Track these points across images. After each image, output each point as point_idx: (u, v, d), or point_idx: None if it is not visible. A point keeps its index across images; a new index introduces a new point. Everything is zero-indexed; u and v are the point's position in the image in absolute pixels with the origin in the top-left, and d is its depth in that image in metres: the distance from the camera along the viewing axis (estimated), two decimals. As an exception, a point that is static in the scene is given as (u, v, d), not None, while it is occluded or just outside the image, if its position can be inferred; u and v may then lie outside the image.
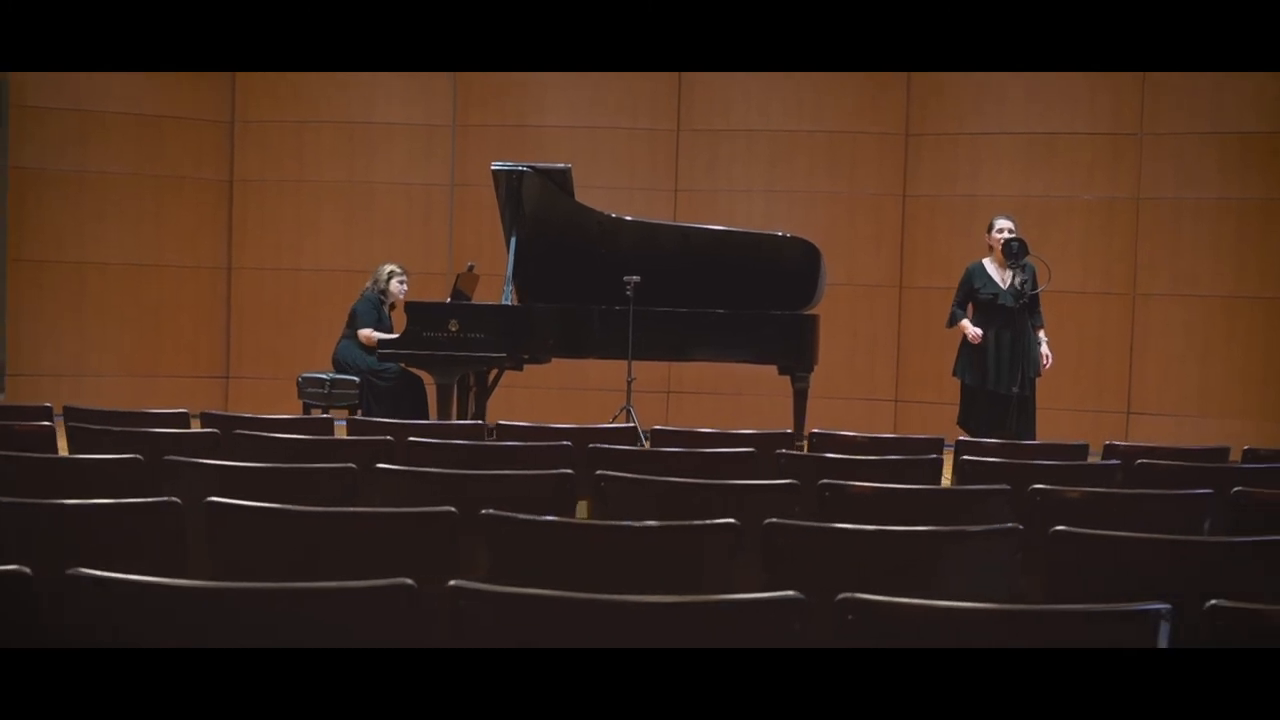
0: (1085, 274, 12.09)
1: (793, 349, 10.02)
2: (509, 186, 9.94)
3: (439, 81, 12.65)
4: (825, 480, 4.78)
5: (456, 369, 9.81)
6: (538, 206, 10.05)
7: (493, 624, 2.77)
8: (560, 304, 10.02)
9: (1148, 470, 5.76)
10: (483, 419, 10.73)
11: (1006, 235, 9.54)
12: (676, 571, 3.85)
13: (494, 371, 10.65)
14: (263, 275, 12.71)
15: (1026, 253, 9.46)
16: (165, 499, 3.89)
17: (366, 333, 10.19)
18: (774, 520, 3.84)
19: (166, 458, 4.88)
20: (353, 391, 10.22)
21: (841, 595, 2.87)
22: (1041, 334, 9.61)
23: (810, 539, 3.85)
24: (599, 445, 5.72)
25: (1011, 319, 9.45)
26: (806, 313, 10.06)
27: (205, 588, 2.90)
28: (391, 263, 10.50)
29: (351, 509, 4.02)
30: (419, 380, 10.21)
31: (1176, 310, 11.91)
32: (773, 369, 10.06)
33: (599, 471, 4.79)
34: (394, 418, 9.76)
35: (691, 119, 12.62)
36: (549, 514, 4.41)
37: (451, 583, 2.81)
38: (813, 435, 6.74)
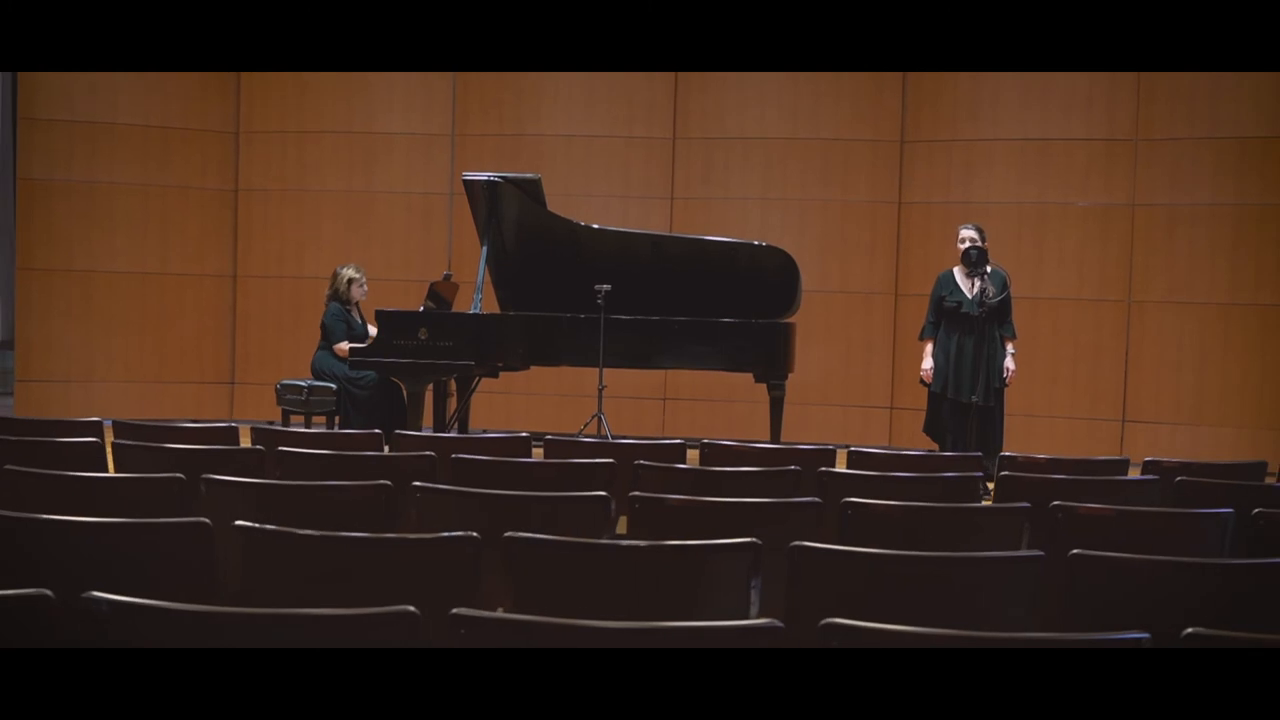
0: (1080, 281, 11.97)
1: (767, 357, 10.04)
2: (488, 197, 10.05)
3: (439, 91, 12.79)
4: (635, 493, 4.82)
5: (426, 376, 9.93)
6: (512, 215, 10.17)
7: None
8: (535, 312, 10.14)
9: (1014, 482, 5.74)
10: (465, 426, 10.87)
11: (967, 244, 9.52)
12: (414, 582, 3.91)
13: (474, 379, 10.78)
14: (267, 283, 12.92)
15: (986, 261, 9.44)
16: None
17: (343, 346, 10.33)
18: (510, 534, 3.89)
19: (5, 467, 5.03)
20: (330, 398, 10.38)
21: (455, 610, 2.94)
22: (1010, 345, 9.54)
23: (544, 552, 3.90)
24: (463, 455, 5.82)
25: (975, 327, 9.41)
26: (783, 321, 10.09)
27: None
28: (347, 266, 10.63)
29: (91, 519, 4.11)
30: (397, 388, 10.33)
31: (1172, 317, 11.76)
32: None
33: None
34: (371, 426, 9.93)
35: (688, 127, 12.66)
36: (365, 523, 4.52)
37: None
38: (704, 446, 6.76)
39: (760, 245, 10.37)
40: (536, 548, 3.89)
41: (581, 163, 12.70)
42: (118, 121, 12.54)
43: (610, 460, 5.85)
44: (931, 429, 9.74)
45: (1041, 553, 3.88)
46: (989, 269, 9.45)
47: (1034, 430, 11.87)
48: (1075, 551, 3.89)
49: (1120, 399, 11.92)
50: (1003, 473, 5.83)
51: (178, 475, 4.97)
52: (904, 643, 2.93)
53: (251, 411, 12.56)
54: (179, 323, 12.82)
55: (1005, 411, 9.90)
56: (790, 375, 10.07)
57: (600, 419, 10.13)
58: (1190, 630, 2.95)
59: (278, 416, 10.68)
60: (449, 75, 12.76)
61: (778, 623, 2.90)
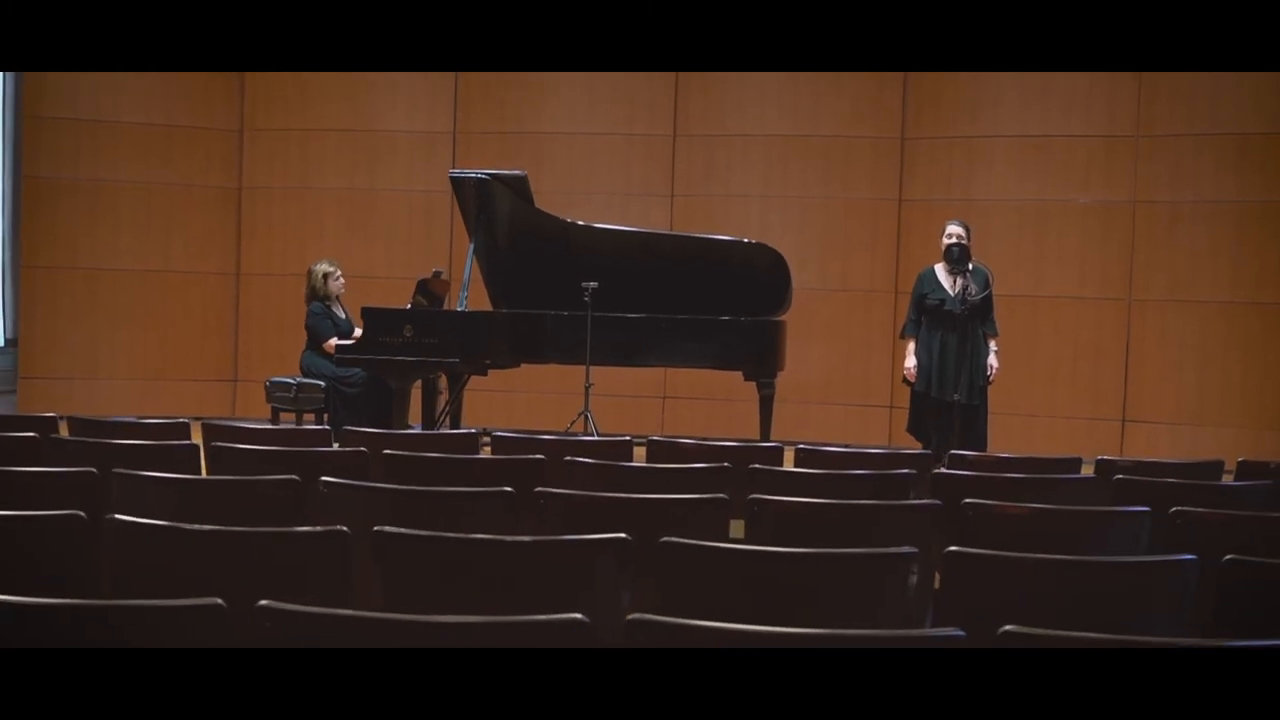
0: (1081, 279, 11.87)
1: (757, 355, 10.00)
2: (477, 194, 10.06)
3: (441, 89, 12.81)
4: (540, 489, 4.80)
5: (411, 373, 9.95)
6: (503, 213, 10.18)
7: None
8: (525, 309, 10.13)
9: (946, 480, 5.68)
10: (457, 423, 10.88)
11: (953, 239, 9.43)
12: (283, 578, 3.91)
13: (463, 376, 10.80)
14: (270, 281, 12.97)
15: (968, 258, 9.34)
16: None
17: (332, 344, 10.35)
18: (378, 529, 3.87)
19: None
20: (319, 395, 10.41)
21: (261, 603, 2.92)
22: (993, 343, 9.44)
23: (410, 547, 3.87)
24: (394, 451, 5.81)
25: (957, 325, 9.31)
26: (773, 319, 10.04)
27: None
28: (320, 262, 10.66)
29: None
30: (387, 385, 10.34)
31: (1173, 316, 11.63)
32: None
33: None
34: (361, 422, 9.95)
35: (688, 125, 12.62)
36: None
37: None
38: (649, 443, 6.72)
39: (750, 243, 10.33)
40: (404, 542, 3.87)
41: (583, 160, 12.70)
42: (122, 120, 12.63)
43: (541, 457, 5.82)
44: (915, 428, 9.66)
45: (915, 549, 3.81)
46: (971, 266, 9.35)
47: (1034, 430, 11.78)
48: (950, 549, 3.84)
49: (1121, 399, 11.80)
50: (936, 470, 5.76)
51: (90, 469, 4.99)
52: (719, 639, 2.88)
53: (254, 409, 12.59)
54: (182, 320, 12.89)
55: (996, 410, 9.83)
56: (782, 373, 10.03)
57: (587, 416, 10.10)
58: (1007, 628, 2.90)
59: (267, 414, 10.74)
60: (451, 74, 12.77)
61: (582, 618, 2.86)
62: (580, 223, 10.22)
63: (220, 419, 12.22)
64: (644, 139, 12.68)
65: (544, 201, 10.24)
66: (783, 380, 10.11)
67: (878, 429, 12.30)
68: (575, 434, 10.04)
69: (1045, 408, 11.90)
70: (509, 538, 3.88)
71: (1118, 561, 3.99)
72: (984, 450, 9.29)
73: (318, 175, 12.93)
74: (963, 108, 12.15)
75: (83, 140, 12.54)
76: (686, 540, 3.83)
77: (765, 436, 10.09)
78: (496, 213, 10.17)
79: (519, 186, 10.14)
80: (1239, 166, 11.37)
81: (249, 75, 12.90)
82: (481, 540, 3.88)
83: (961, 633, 2.89)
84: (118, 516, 3.97)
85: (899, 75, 12.25)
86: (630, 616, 2.88)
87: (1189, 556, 3.91)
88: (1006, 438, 11.20)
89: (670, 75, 12.55)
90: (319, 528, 3.88)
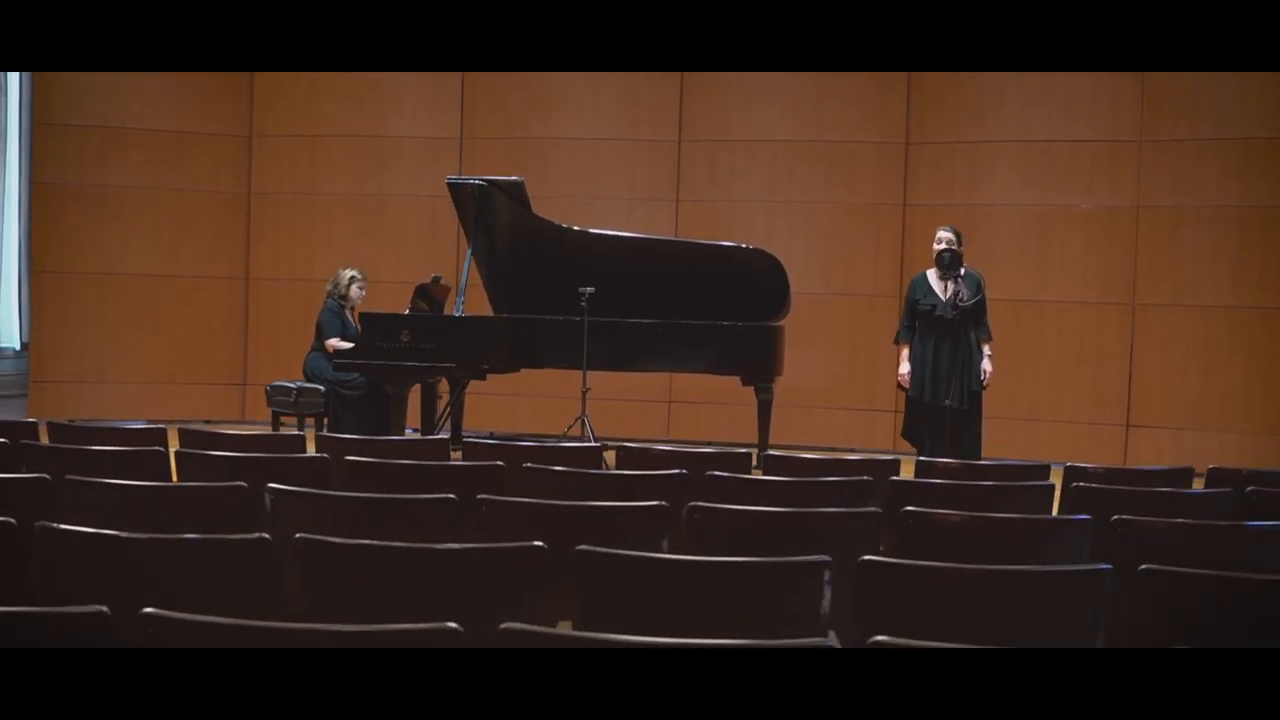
0: (1084, 284, 11.83)
1: (755, 360, 10.05)
2: (476, 201, 10.12)
3: (447, 94, 12.87)
4: (481, 495, 4.85)
5: (408, 378, 10.02)
6: (502, 219, 10.25)
7: None
8: (524, 315, 10.20)
9: (903, 488, 5.69)
10: (458, 427, 10.96)
11: (943, 244, 9.43)
12: (210, 583, 3.96)
13: (461, 381, 10.88)
14: (278, 286, 13.06)
15: (959, 264, 9.34)
16: None
17: (333, 342, 10.45)
18: (304, 535, 3.93)
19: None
20: (319, 400, 10.49)
21: (146, 610, 2.97)
22: (986, 347, 9.41)
23: (334, 554, 3.93)
24: (354, 457, 5.87)
25: (949, 331, 9.31)
26: (771, 324, 10.08)
27: None
28: (351, 267, 10.75)
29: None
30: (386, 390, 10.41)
31: (1177, 320, 11.58)
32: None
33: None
34: (362, 426, 10.05)
35: (693, 130, 12.64)
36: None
37: None
38: (619, 449, 6.76)
39: (749, 248, 10.37)
40: (325, 549, 3.93)
41: (587, 165, 12.75)
42: (130, 125, 12.72)
43: (500, 463, 5.86)
44: (910, 434, 9.65)
45: (827, 558, 3.84)
46: (963, 271, 9.35)
47: (1037, 435, 11.76)
48: (864, 558, 3.86)
49: (1124, 403, 11.76)
50: (892, 478, 5.78)
51: (43, 476, 5.06)
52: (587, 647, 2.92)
53: (264, 413, 12.65)
54: (190, 325, 12.99)
55: (999, 415, 9.84)
56: (785, 378, 10.10)
57: (584, 421, 10.14)
58: (877, 637, 2.92)
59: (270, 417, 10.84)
60: (457, 79, 12.83)
61: (456, 626, 2.90)
62: (577, 228, 10.28)
63: (228, 422, 12.36)
64: (648, 144, 12.71)
65: (549, 206, 10.30)
66: (785, 385, 10.13)
67: (881, 433, 12.29)
68: (573, 438, 10.10)
69: (1048, 412, 11.88)
70: (434, 545, 3.93)
71: (1036, 570, 4.00)
72: (978, 455, 9.28)
73: (326, 180, 13.01)
74: (966, 112, 12.14)
75: (91, 146, 12.65)
76: (601, 549, 3.87)
77: (764, 441, 10.12)
78: (495, 219, 10.24)
79: (516, 192, 10.20)
80: (1242, 171, 11.32)
81: (258, 81, 12.99)
82: (402, 548, 3.93)
83: (835, 643, 2.91)
84: (50, 524, 4.04)
85: (903, 80, 12.24)
86: (503, 626, 2.91)
87: (1104, 566, 3.92)
88: (1010, 442, 11.21)
89: (674, 80, 12.57)
90: (244, 535, 3.93)
